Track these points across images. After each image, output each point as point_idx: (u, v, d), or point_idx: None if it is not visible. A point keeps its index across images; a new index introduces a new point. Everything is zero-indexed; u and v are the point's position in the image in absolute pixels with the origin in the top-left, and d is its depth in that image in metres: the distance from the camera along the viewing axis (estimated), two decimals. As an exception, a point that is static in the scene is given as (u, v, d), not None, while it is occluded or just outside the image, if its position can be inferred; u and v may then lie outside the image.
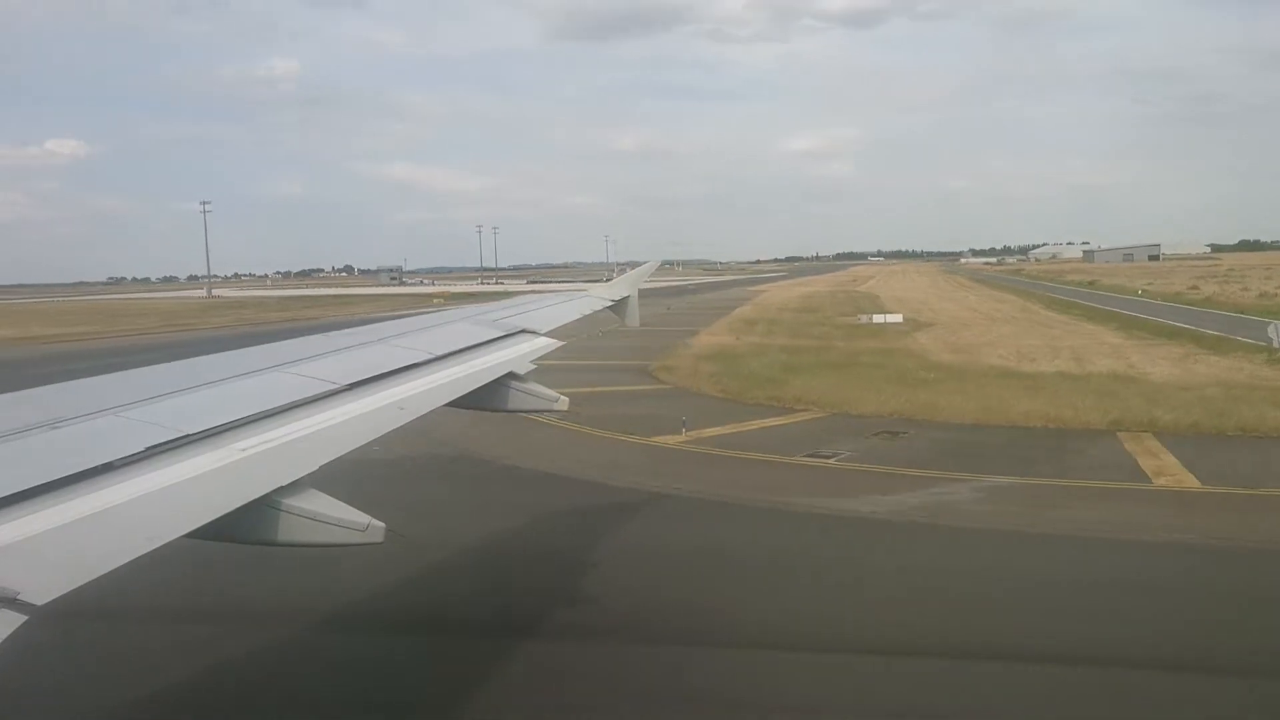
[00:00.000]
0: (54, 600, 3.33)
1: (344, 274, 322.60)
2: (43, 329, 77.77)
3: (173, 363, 6.89)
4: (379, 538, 4.82)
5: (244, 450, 4.75)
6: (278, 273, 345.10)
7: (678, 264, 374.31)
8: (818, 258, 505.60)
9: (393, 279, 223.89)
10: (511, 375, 7.77)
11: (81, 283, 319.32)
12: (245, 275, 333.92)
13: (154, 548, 3.77)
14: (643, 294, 13.37)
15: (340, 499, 4.92)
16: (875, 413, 25.41)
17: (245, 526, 4.46)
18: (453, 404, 6.88)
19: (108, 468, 4.14)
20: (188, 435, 4.68)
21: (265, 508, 4.50)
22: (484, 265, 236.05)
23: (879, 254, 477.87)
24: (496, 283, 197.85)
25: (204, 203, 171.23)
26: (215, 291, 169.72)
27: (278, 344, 7.61)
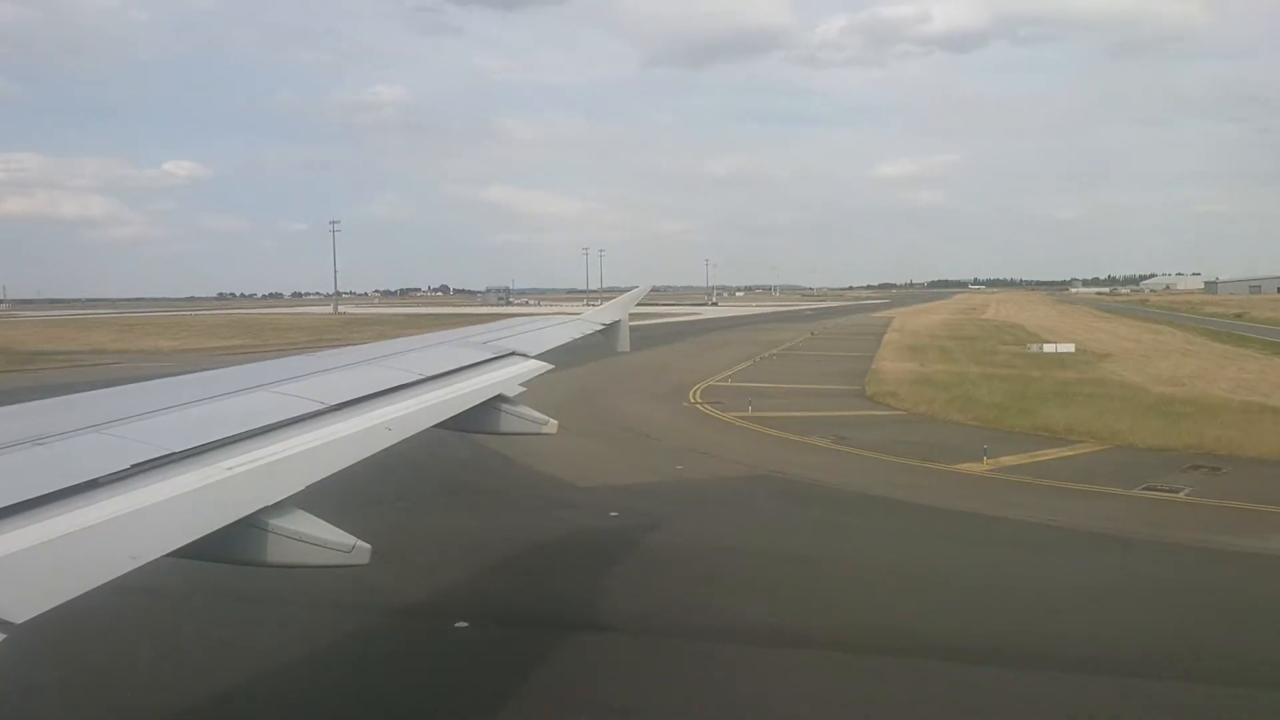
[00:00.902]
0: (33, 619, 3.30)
1: (440, 293, 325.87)
2: (201, 341, 79.86)
3: (159, 380, 6.94)
4: (364, 559, 4.82)
5: (230, 469, 4.76)
6: (377, 291, 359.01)
7: (775, 289, 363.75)
8: (911, 285, 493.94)
9: (500, 299, 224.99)
10: (501, 398, 7.74)
11: (193, 298, 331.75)
12: (346, 293, 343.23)
13: (137, 566, 3.75)
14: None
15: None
16: (1162, 446, 24.59)
17: (230, 546, 4.45)
18: (441, 425, 6.85)
19: (92, 484, 4.13)
20: (173, 453, 4.69)
21: (250, 527, 4.50)
22: (589, 287, 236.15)
23: (975, 282, 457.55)
24: (601, 303, 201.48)
25: (333, 223, 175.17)
26: (337, 308, 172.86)
27: (265, 363, 7.63)
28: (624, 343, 13.37)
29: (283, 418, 5.72)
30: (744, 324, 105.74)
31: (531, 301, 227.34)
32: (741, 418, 31.08)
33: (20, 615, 3.24)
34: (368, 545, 4.87)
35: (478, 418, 7.38)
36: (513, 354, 9.16)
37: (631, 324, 13.76)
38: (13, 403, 5.58)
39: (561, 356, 9.54)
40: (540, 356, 9.48)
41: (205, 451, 4.87)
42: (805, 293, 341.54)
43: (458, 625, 12.12)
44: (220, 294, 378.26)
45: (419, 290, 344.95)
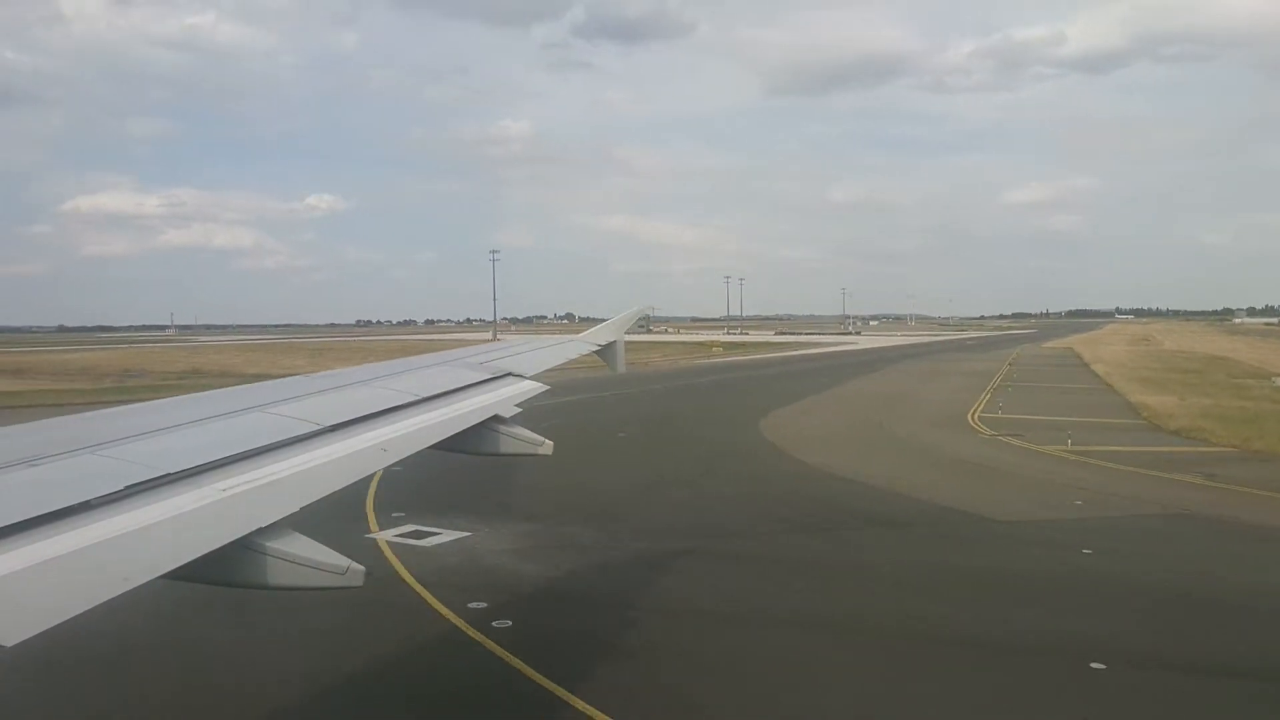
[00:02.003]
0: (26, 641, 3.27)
1: (565, 320, 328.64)
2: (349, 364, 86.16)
3: (154, 401, 6.97)
4: (359, 581, 4.78)
5: (224, 491, 4.75)
6: (504, 318, 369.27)
7: (910, 318, 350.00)
8: (1047, 314, 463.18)
9: (641, 326, 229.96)
10: (496, 418, 7.68)
11: (333, 324, 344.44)
12: (476, 320, 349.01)
13: (130, 588, 3.73)
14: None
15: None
16: None
17: (223, 568, 4.43)
18: (437, 446, 6.81)
19: (85, 506, 4.11)
20: (168, 475, 4.68)
21: (244, 549, 4.48)
22: (729, 314, 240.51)
23: (1120, 311, 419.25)
24: (741, 332, 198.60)
25: (493, 252, 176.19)
26: (496, 334, 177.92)
27: (261, 384, 7.62)
28: (620, 364, 13.32)
29: (278, 439, 5.72)
30: (919, 354, 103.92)
31: (671, 329, 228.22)
32: (1069, 451, 30.27)
33: (12, 638, 3.21)
34: (361, 568, 4.82)
35: (473, 438, 7.33)
36: (508, 375, 9.12)
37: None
38: None
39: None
40: (535, 377, 9.41)
41: (200, 473, 4.87)
42: (940, 322, 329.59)
43: (1093, 666, 11.76)
44: (358, 320, 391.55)
45: (545, 318, 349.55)
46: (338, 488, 5.35)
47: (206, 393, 7.66)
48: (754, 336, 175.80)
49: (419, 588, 15.24)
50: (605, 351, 13.17)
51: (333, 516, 20.86)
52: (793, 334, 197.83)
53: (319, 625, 13.11)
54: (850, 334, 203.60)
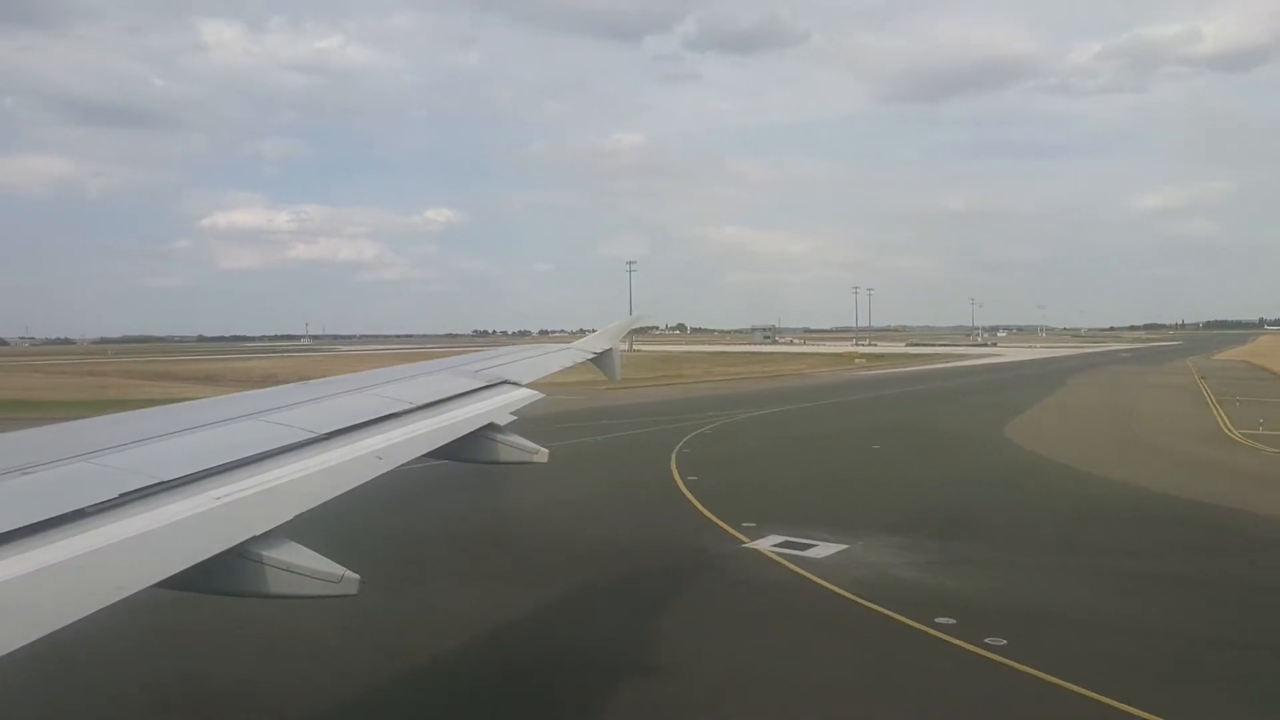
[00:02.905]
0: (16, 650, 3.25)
1: (677, 331, 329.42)
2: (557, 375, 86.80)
3: (149, 409, 6.98)
4: (353, 590, 4.76)
5: (219, 498, 4.73)
6: None
7: (1040, 330, 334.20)
8: (1183, 325, 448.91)
9: (766, 337, 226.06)
10: (492, 426, 7.67)
11: (451, 334, 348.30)
12: (590, 329, 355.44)
13: (123, 597, 3.70)
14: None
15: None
16: None
17: (218, 576, 4.41)
18: (432, 454, 6.80)
19: (79, 514, 4.09)
20: (163, 482, 4.66)
21: (238, 557, 4.46)
22: (858, 324, 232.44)
23: (1267, 322, 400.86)
24: (870, 344, 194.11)
25: (629, 263, 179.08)
26: (632, 345, 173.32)
27: (255, 391, 7.75)
28: (616, 372, 13.40)
29: (273, 447, 5.70)
30: (1083, 367, 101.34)
31: (796, 340, 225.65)
32: None
33: (4, 647, 3.20)
34: (356, 576, 4.79)
35: (469, 446, 7.32)
36: (504, 382, 9.09)
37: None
38: None
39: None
40: (532, 385, 9.39)
41: (194, 481, 4.85)
42: (1072, 334, 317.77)
43: None
44: (475, 330, 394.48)
45: (657, 328, 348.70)
46: (333, 495, 5.32)
47: (202, 400, 7.64)
48: (884, 348, 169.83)
49: (873, 605, 15.28)
50: (600, 360, 13.17)
51: (678, 527, 21.95)
52: (925, 345, 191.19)
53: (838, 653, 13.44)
54: (985, 345, 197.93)
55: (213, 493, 4.77)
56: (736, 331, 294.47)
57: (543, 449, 7.73)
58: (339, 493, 5.40)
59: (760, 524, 21.28)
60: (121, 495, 4.37)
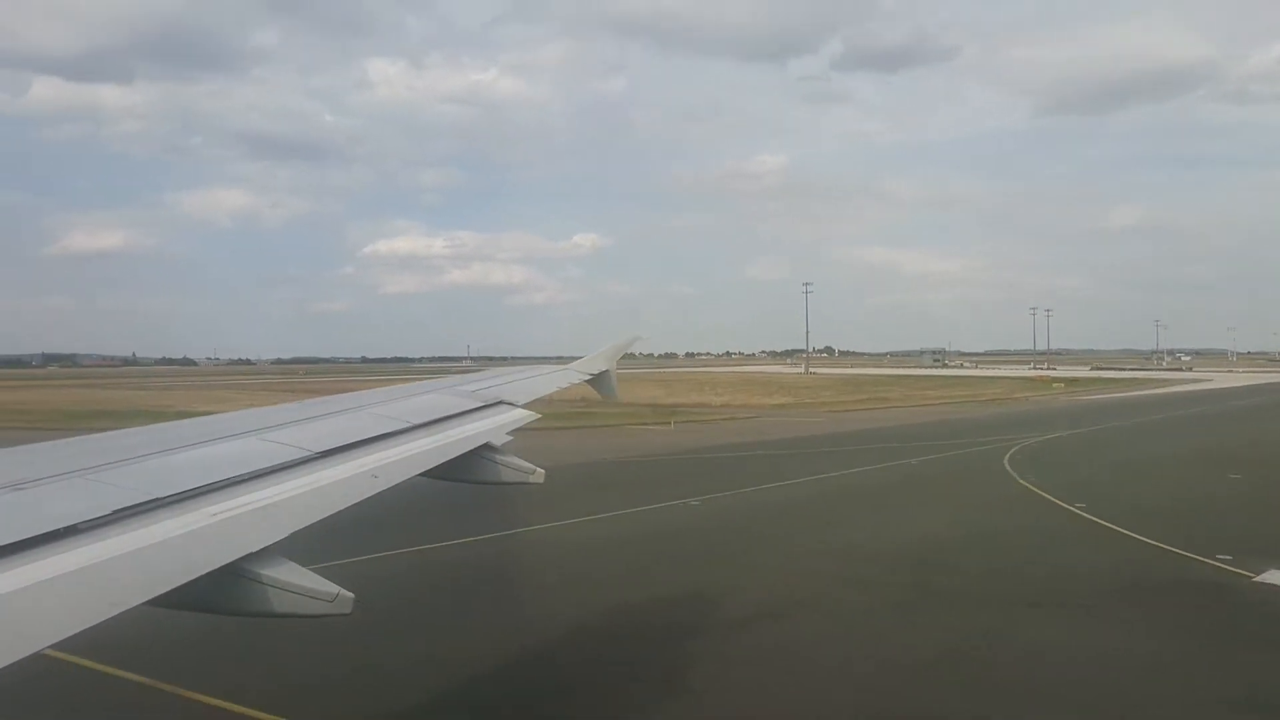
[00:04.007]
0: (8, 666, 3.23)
1: (824, 354, 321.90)
2: (748, 397, 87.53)
3: (144, 426, 6.92)
4: (347, 609, 4.74)
5: (213, 516, 4.71)
6: (763, 352, 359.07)
7: (1231, 354, 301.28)
8: None
9: (936, 360, 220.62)
10: (488, 446, 7.65)
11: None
12: (735, 353, 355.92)
13: (115, 614, 3.68)
14: None
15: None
16: None
17: (211, 594, 4.38)
18: (427, 474, 6.76)
19: (72, 530, 4.07)
20: (157, 499, 4.64)
21: (232, 575, 4.43)
22: (1036, 347, 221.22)
23: None
24: (1049, 367, 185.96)
25: (805, 284, 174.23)
26: (808, 368, 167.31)
27: (253, 410, 7.64)
28: (614, 392, 13.48)
29: (269, 464, 5.69)
30: None
31: (966, 364, 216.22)
32: None
33: None
34: (351, 594, 4.76)
35: (465, 466, 7.29)
36: (500, 403, 9.08)
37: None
38: None
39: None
40: (528, 405, 9.38)
41: (189, 498, 4.83)
42: (1268, 358, 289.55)
43: None
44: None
45: (802, 351, 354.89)
46: (327, 514, 5.28)
47: (198, 418, 7.61)
48: (1066, 372, 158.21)
49: None
50: (598, 381, 13.21)
51: (1149, 561, 20.93)
52: (1112, 370, 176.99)
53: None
54: (1178, 370, 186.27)
55: (208, 510, 4.75)
56: (892, 354, 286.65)
57: (539, 469, 7.72)
58: (333, 511, 5.36)
59: (1237, 555, 20.44)
60: (115, 512, 4.35)
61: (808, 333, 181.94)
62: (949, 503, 29.63)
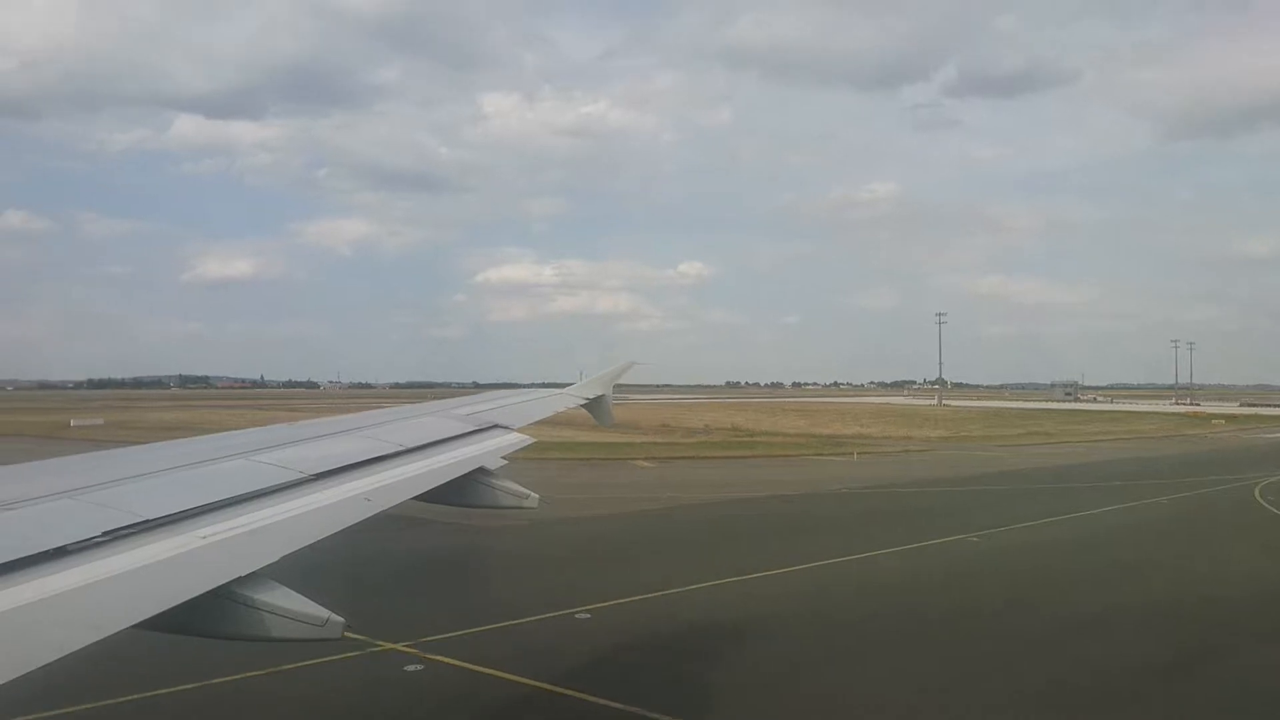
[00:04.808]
0: None
1: (936, 385, 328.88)
2: (895, 429, 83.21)
3: (136, 447, 6.89)
4: (337, 633, 4.70)
5: (204, 538, 4.65)
6: (872, 382, 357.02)
7: None
8: None
9: (1068, 394, 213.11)
10: (482, 470, 7.63)
11: (701, 384, 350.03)
12: (844, 384, 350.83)
13: (101, 637, 3.61)
14: None
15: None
16: None
17: (200, 617, 4.33)
18: (421, 498, 6.74)
19: (61, 552, 4.02)
20: (147, 521, 4.58)
21: (222, 599, 4.38)
22: (1178, 381, 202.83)
23: None
24: (1191, 402, 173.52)
25: (939, 314, 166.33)
26: (941, 400, 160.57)
27: (244, 431, 7.62)
28: (609, 418, 13.49)
29: (261, 487, 5.63)
30: None
31: (1100, 398, 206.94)
32: None
33: None
34: (341, 619, 4.72)
35: (459, 490, 7.27)
36: (495, 426, 9.06)
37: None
38: None
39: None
40: (523, 430, 9.36)
41: (180, 520, 4.77)
42: None
43: None
44: (727, 381, 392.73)
45: (914, 383, 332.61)
46: (319, 537, 5.23)
47: (190, 439, 7.60)
48: (1212, 407, 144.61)
49: None
50: (593, 406, 13.20)
51: None
52: (1261, 405, 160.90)
53: None
54: None
55: (198, 532, 4.70)
56: (1007, 386, 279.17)
57: (533, 494, 7.67)
58: (326, 534, 5.31)
59: None
60: (105, 533, 4.30)
61: (940, 364, 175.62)
62: (1263, 544, 28.23)
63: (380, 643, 15.15)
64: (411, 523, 25.93)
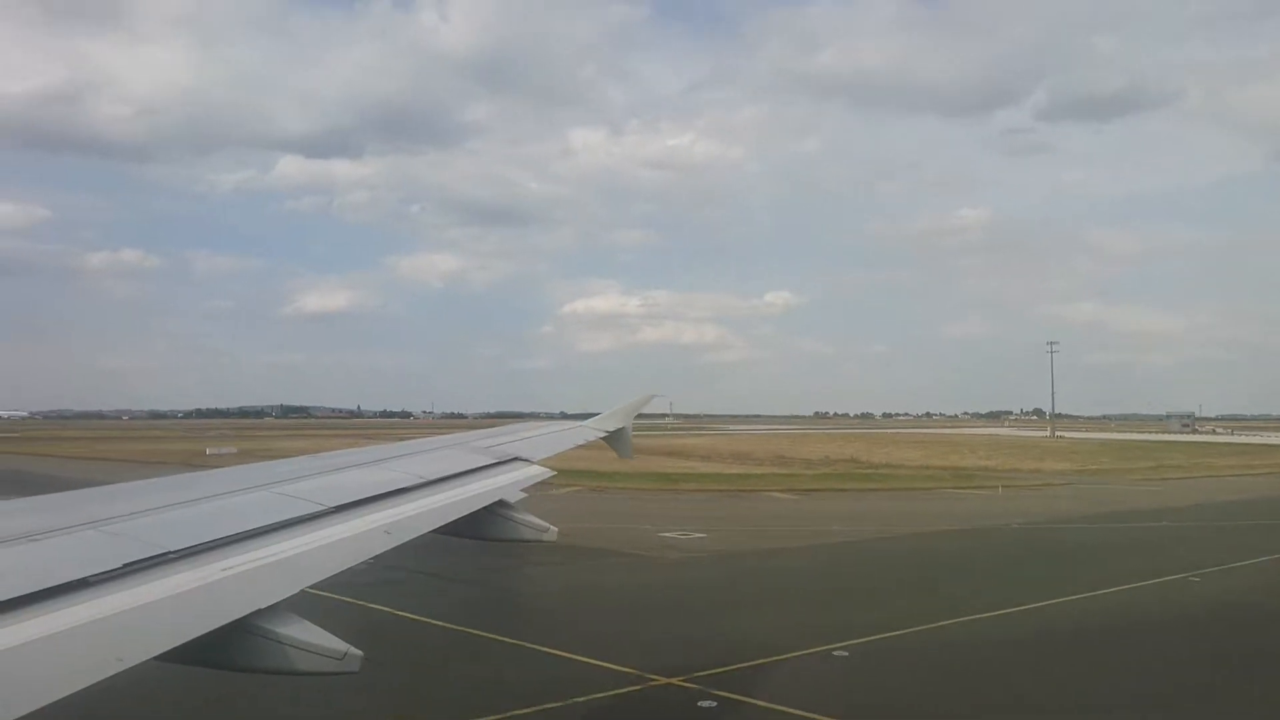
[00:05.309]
0: None
1: (1033, 416, 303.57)
2: (1026, 461, 77.11)
3: (158, 478, 6.94)
4: (355, 667, 4.67)
5: (225, 570, 4.67)
6: (965, 413, 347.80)
7: None
8: None
9: (1185, 425, 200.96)
10: (502, 503, 7.61)
11: (793, 414, 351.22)
12: (936, 414, 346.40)
13: (123, 669, 3.62)
14: None
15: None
16: None
17: (220, 650, 4.32)
18: (440, 530, 6.72)
19: (83, 583, 4.04)
20: (169, 552, 4.60)
21: (241, 631, 4.37)
22: None
23: None
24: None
25: (1050, 343, 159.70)
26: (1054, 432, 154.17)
27: (268, 463, 7.68)
28: (629, 450, 13.45)
29: (282, 518, 5.65)
30: None
31: (1220, 430, 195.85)
32: None
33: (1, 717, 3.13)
34: (359, 653, 4.70)
35: (478, 523, 7.25)
36: (515, 459, 9.07)
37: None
38: None
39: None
40: (543, 462, 9.35)
41: (201, 551, 4.79)
42: None
43: None
44: (816, 412, 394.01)
45: (1010, 413, 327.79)
46: (340, 569, 5.25)
47: (210, 471, 7.65)
48: None
49: None
50: (613, 438, 13.19)
51: None
52: None
53: None
54: None
55: (219, 564, 4.71)
56: (1107, 417, 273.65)
57: (552, 528, 7.64)
58: (345, 567, 5.32)
59: None
60: (126, 565, 4.31)
61: (1053, 395, 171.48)
62: None
63: (653, 676, 14.88)
64: (587, 554, 26.64)
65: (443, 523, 6.75)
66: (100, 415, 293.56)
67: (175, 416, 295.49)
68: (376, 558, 5.87)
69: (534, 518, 7.62)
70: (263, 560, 4.92)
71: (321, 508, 6.04)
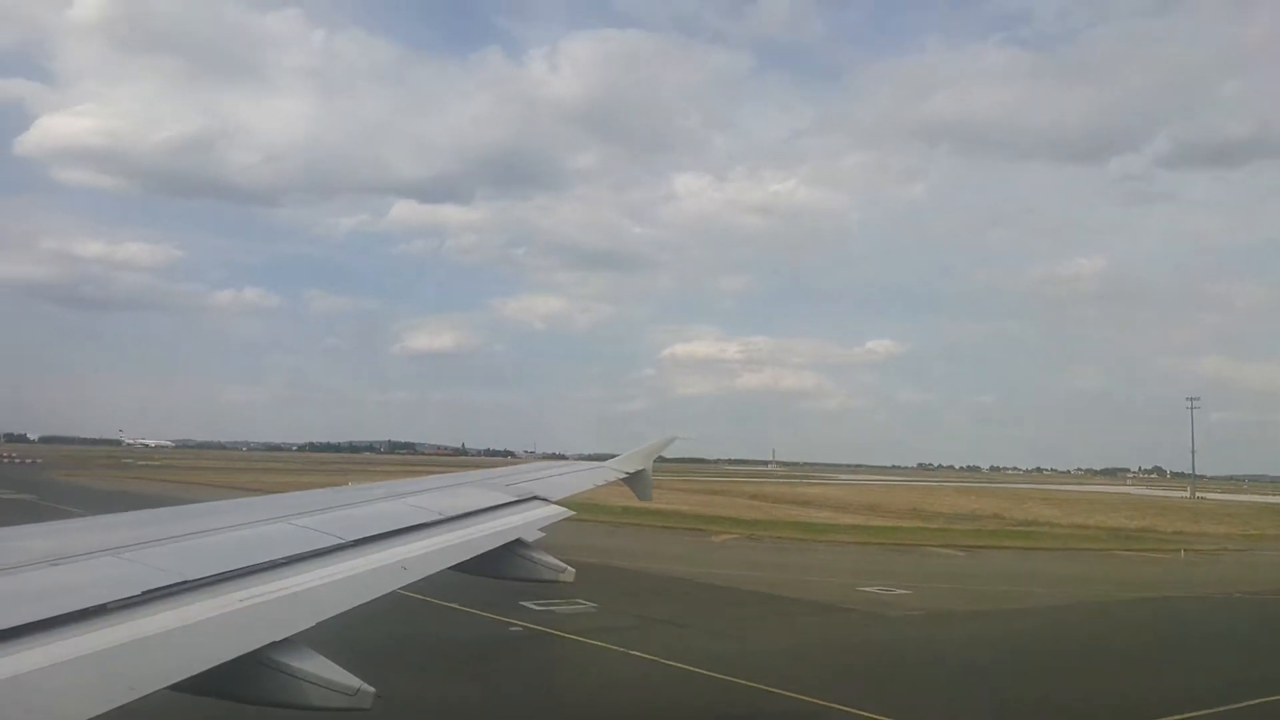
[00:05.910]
0: None
1: (1153, 475, 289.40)
2: (1176, 524, 71.45)
3: (180, 507, 7.01)
4: (367, 703, 4.64)
5: (242, 601, 4.65)
6: (1079, 469, 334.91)
7: None
8: None
9: None
10: (519, 542, 7.58)
11: (895, 465, 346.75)
12: (1047, 469, 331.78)
13: (135, 698, 3.59)
14: None
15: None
16: None
17: (233, 681, 4.29)
18: (457, 568, 6.70)
19: (101, 610, 4.03)
20: (187, 581, 4.60)
21: (255, 663, 4.34)
22: None
23: None
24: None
25: (1191, 399, 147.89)
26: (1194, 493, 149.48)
27: (284, 495, 7.70)
28: (648, 492, 13.46)
29: (300, 551, 5.63)
30: None
31: None
32: None
33: None
34: (372, 689, 4.67)
35: (495, 561, 7.21)
36: (534, 498, 9.03)
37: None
38: None
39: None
40: (561, 502, 9.31)
41: (219, 582, 4.78)
42: None
43: None
44: (919, 464, 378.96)
45: (1129, 471, 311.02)
46: (355, 604, 5.22)
47: (229, 501, 7.65)
48: None
49: None
50: (633, 480, 13.15)
51: None
52: None
53: None
54: None
55: (236, 595, 4.70)
56: (1233, 478, 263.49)
57: (569, 568, 7.58)
58: (361, 601, 5.30)
59: None
60: (145, 593, 4.31)
61: (1193, 453, 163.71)
62: None
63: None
64: (807, 607, 26.57)
65: (460, 560, 6.72)
66: (221, 446, 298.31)
67: (290, 449, 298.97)
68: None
69: (552, 558, 7.57)
70: (280, 592, 4.91)
71: (340, 541, 6.02)
